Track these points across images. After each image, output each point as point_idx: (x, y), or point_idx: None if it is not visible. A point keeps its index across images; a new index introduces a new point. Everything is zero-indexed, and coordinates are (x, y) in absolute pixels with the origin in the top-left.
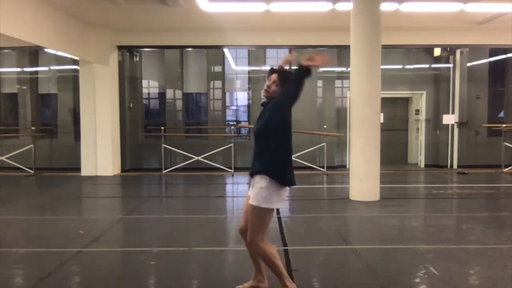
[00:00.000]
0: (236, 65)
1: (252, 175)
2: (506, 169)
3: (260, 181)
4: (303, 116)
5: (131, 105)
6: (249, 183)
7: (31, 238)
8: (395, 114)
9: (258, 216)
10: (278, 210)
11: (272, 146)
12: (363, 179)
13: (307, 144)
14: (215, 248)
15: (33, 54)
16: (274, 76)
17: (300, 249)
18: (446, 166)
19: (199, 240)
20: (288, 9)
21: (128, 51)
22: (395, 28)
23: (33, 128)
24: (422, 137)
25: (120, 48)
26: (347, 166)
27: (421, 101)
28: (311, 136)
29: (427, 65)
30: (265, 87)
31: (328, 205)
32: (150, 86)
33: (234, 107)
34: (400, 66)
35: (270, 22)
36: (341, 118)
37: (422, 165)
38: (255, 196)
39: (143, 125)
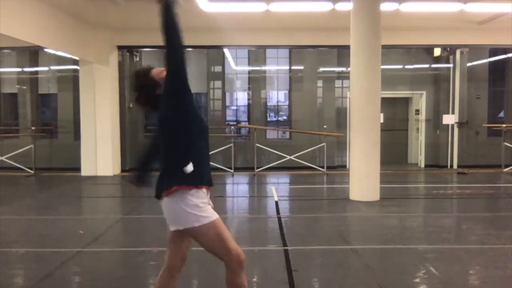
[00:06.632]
0: (236, 65)
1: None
2: (506, 169)
3: None
4: (303, 116)
5: (131, 105)
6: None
7: (31, 238)
8: (395, 114)
9: None
10: (278, 210)
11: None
12: (363, 179)
13: (307, 144)
14: None
15: (33, 54)
16: None
17: (300, 249)
18: (446, 166)
19: None
20: (288, 9)
21: (128, 51)
22: (395, 28)
23: (33, 128)
24: (422, 137)
25: (120, 48)
26: (347, 166)
27: (421, 101)
28: (311, 136)
29: (427, 65)
30: None
31: (328, 205)
32: None
33: (234, 107)
34: (400, 66)
35: (270, 22)
36: (341, 118)
37: (422, 165)
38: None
39: (143, 125)
